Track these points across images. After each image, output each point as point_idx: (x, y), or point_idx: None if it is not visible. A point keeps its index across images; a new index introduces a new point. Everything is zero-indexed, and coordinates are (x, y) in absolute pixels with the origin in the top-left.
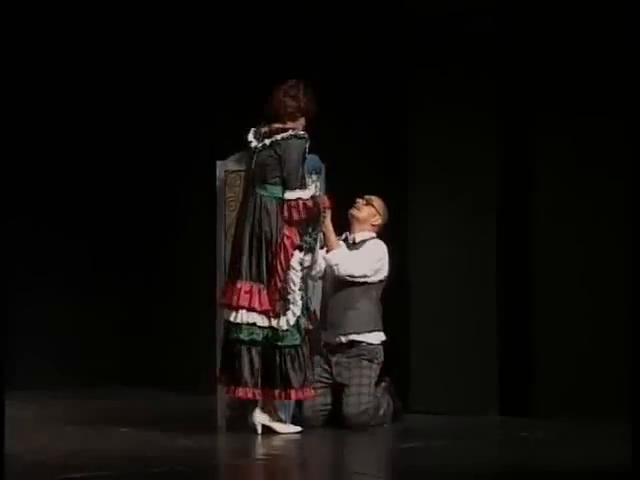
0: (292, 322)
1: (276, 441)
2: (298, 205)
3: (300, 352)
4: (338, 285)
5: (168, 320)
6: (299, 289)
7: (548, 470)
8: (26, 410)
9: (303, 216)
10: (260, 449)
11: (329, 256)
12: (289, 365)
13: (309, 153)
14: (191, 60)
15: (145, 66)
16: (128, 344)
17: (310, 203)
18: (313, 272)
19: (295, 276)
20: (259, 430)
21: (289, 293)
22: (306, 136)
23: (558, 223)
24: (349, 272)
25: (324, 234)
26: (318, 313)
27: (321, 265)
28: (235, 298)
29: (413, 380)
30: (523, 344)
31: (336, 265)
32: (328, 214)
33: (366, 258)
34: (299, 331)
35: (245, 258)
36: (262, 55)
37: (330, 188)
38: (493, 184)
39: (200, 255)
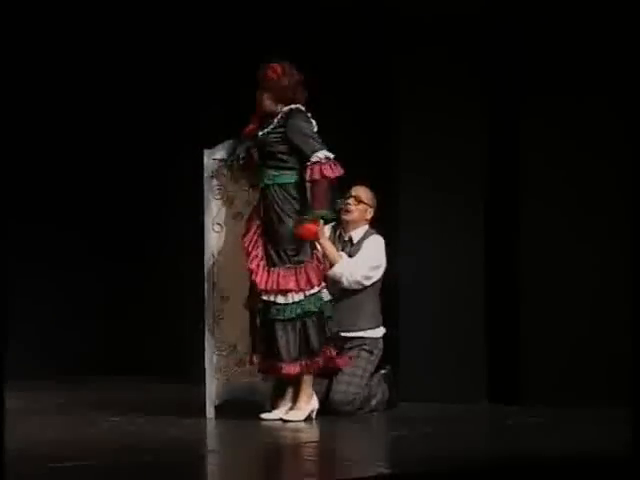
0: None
1: (271, 428)
2: (329, 164)
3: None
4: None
5: (156, 309)
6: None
7: (537, 456)
8: (12, 400)
9: (337, 173)
10: (257, 436)
11: (335, 271)
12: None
13: None
14: (179, 49)
15: (134, 56)
16: (114, 332)
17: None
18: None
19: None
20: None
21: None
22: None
23: (547, 212)
24: (357, 281)
25: (324, 251)
26: None
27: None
28: (272, 282)
29: (403, 369)
30: (512, 332)
31: (344, 279)
32: (325, 231)
33: (368, 261)
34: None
35: (272, 246)
36: (248, 43)
37: None
38: (481, 172)
39: (187, 243)
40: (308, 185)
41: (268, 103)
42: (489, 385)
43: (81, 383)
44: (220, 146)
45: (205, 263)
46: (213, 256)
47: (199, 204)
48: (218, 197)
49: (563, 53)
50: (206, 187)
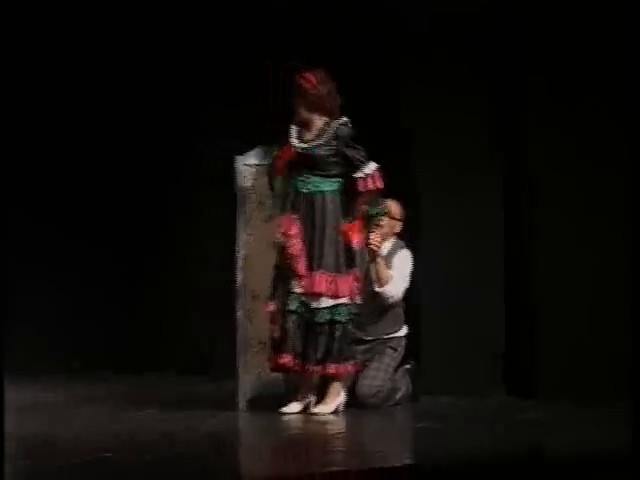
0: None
1: (300, 421)
2: (379, 175)
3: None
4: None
5: (188, 308)
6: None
7: (551, 449)
8: (49, 393)
9: (380, 185)
10: (287, 428)
11: (386, 290)
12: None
13: None
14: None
15: (171, 65)
16: (146, 330)
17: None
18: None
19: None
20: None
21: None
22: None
23: (559, 215)
24: (399, 297)
25: (377, 268)
26: None
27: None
28: (317, 286)
29: (424, 364)
30: (528, 330)
31: (394, 297)
32: (382, 252)
33: (404, 276)
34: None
35: (317, 250)
36: (263, 49)
37: None
38: (497, 176)
39: (219, 246)
40: (362, 190)
41: (304, 112)
42: (506, 380)
43: (112, 379)
44: (251, 152)
45: (238, 263)
46: (244, 256)
47: (230, 207)
48: (250, 201)
49: (572, 52)
50: (238, 191)
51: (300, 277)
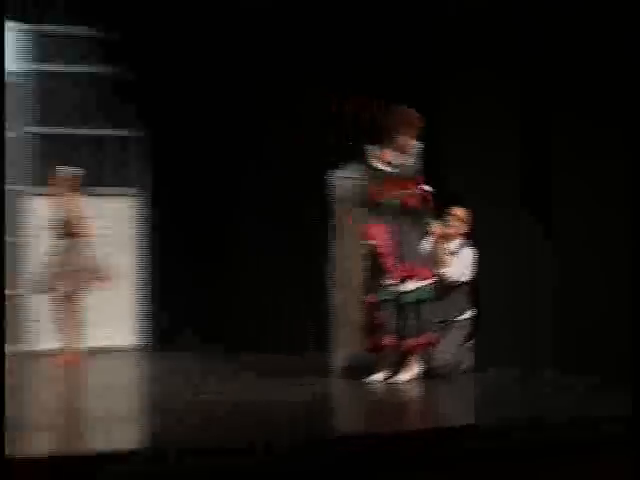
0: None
1: (383, 387)
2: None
3: None
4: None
5: (290, 295)
6: None
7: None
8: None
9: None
10: (374, 393)
11: (447, 271)
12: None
13: None
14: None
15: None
16: (262, 311)
17: None
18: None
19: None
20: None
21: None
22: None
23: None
24: (459, 279)
25: (442, 255)
26: None
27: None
28: (406, 272)
29: (485, 341)
30: (575, 312)
31: (455, 277)
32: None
33: (463, 265)
34: None
35: (401, 247)
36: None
37: None
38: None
39: (320, 244)
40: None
41: (406, 139)
42: (553, 355)
43: (222, 353)
44: (348, 167)
45: (334, 259)
46: (339, 254)
47: (330, 213)
48: (345, 207)
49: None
50: (337, 200)
51: (389, 271)
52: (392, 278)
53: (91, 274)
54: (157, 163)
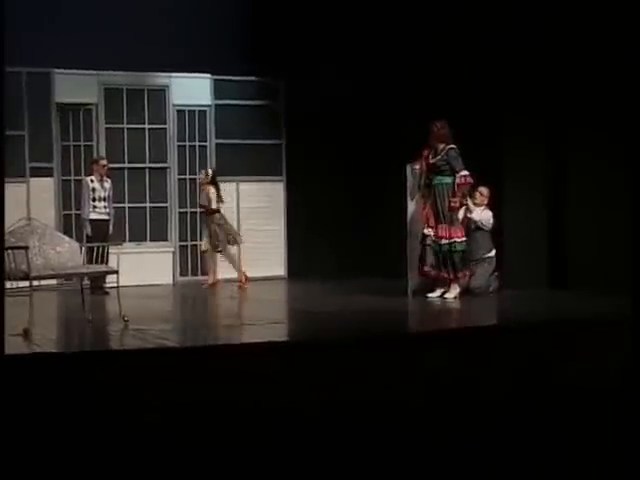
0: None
1: (439, 302)
2: (468, 176)
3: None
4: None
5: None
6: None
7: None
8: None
9: (470, 181)
10: (432, 306)
11: (473, 216)
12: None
13: None
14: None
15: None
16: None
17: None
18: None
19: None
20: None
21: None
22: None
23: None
24: (484, 225)
25: (468, 207)
26: None
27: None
28: (440, 232)
29: (505, 271)
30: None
31: (479, 222)
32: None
33: (485, 218)
34: None
35: (440, 214)
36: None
37: None
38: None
39: (396, 219)
40: (457, 183)
41: (435, 143)
42: (549, 276)
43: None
44: (415, 162)
45: (407, 217)
46: (410, 215)
47: (404, 198)
48: (412, 187)
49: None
50: (409, 184)
51: (431, 227)
52: (432, 233)
53: (228, 236)
54: (290, 161)
